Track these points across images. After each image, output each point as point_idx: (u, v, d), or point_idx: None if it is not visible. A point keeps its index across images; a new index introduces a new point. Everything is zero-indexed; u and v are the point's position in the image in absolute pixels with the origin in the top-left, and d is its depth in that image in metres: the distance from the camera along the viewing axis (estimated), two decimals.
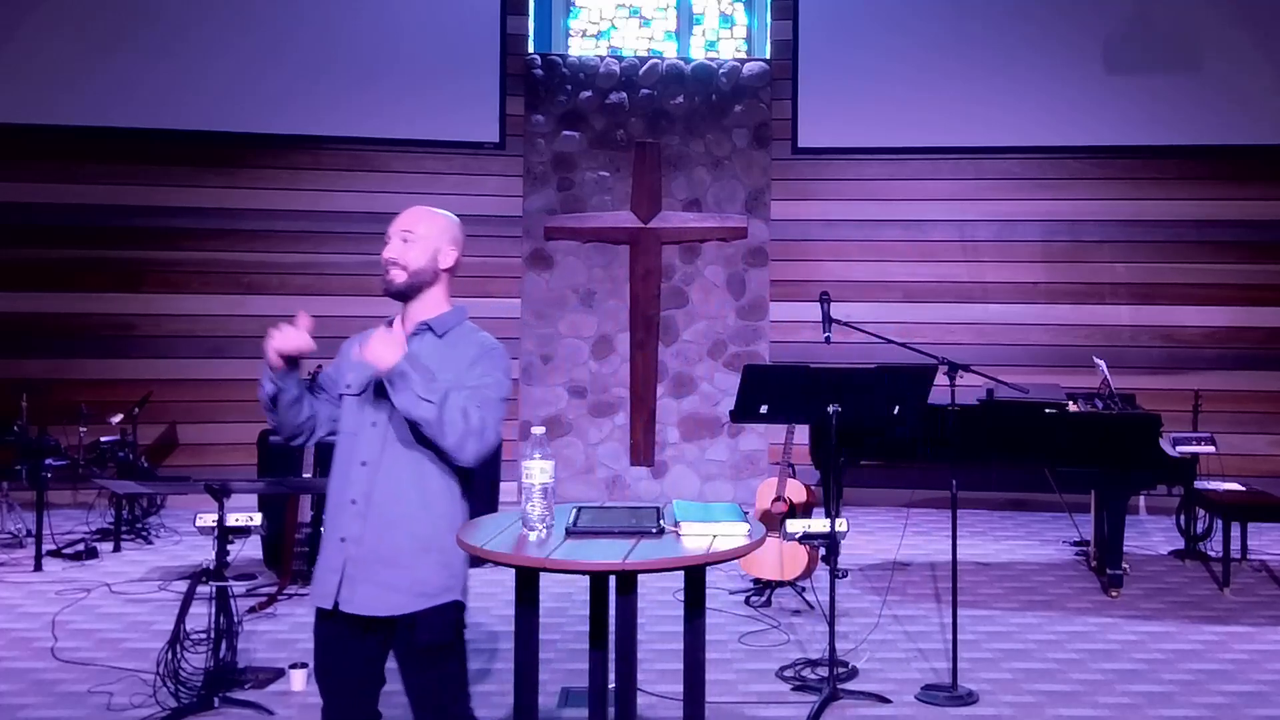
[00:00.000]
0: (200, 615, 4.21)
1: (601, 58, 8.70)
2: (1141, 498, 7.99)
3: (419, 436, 2.54)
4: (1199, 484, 6.05)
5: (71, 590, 5.69)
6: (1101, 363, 6.21)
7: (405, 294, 2.69)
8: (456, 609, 2.61)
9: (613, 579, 2.50)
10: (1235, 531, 6.10)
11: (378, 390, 2.60)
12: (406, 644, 2.58)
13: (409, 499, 2.59)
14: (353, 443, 2.66)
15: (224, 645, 4.09)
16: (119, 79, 8.10)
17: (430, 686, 2.59)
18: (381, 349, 2.46)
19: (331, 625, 2.63)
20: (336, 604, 2.58)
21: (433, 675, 2.60)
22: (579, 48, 9.01)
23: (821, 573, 5.40)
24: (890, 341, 4.81)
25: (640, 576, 2.58)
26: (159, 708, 3.96)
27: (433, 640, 2.57)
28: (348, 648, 2.64)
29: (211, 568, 4.05)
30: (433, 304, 2.72)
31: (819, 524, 4.44)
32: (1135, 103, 8.25)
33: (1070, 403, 5.82)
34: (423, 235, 2.74)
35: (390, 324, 2.73)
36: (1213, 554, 6.31)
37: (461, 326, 2.72)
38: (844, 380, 4.17)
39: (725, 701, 4.13)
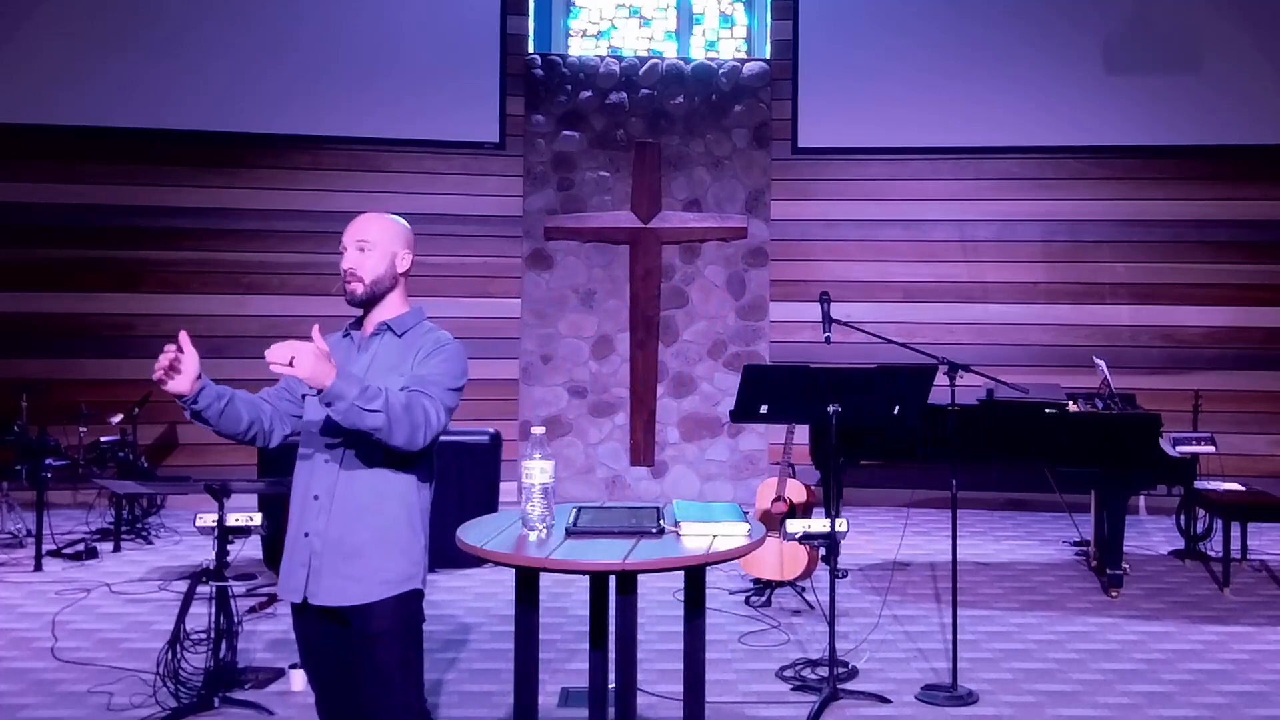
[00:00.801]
0: (200, 615, 4.21)
1: (601, 58, 8.70)
2: (1141, 498, 7.99)
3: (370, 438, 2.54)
4: (1199, 484, 6.04)
5: (71, 590, 5.69)
6: (1101, 363, 6.21)
7: (367, 303, 2.77)
8: (416, 597, 2.64)
9: (613, 579, 2.51)
10: (1235, 531, 6.09)
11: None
12: (364, 630, 2.59)
13: (370, 492, 2.63)
14: (316, 440, 2.71)
15: (224, 645, 4.09)
16: (119, 79, 8.10)
17: (386, 672, 2.61)
18: (312, 365, 2.41)
19: (304, 619, 2.69)
20: (305, 598, 2.63)
21: (390, 660, 2.60)
22: (579, 48, 9.01)
23: (821, 573, 5.40)
24: (890, 341, 4.81)
25: (640, 576, 2.58)
26: (159, 708, 3.96)
27: (392, 626, 2.58)
28: (324, 639, 2.68)
29: (211, 568, 4.05)
30: (391, 306, 2.80)
31: (819, 524, 4.43)
32: (1135, 103, 8.25)
33: (1070, 403, 5.82)
34: (378, 243, 2.80)
35: (356, 324, 2.82)
36: (1213, 554, 6.31)
37: (419, 326, 2.80)
38: (844, 380, 4.16)
39: (725, 701, 4.13)
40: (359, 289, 2.77)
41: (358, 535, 2.60)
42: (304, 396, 2.78)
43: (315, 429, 2.72)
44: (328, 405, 2.45)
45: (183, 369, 2.56)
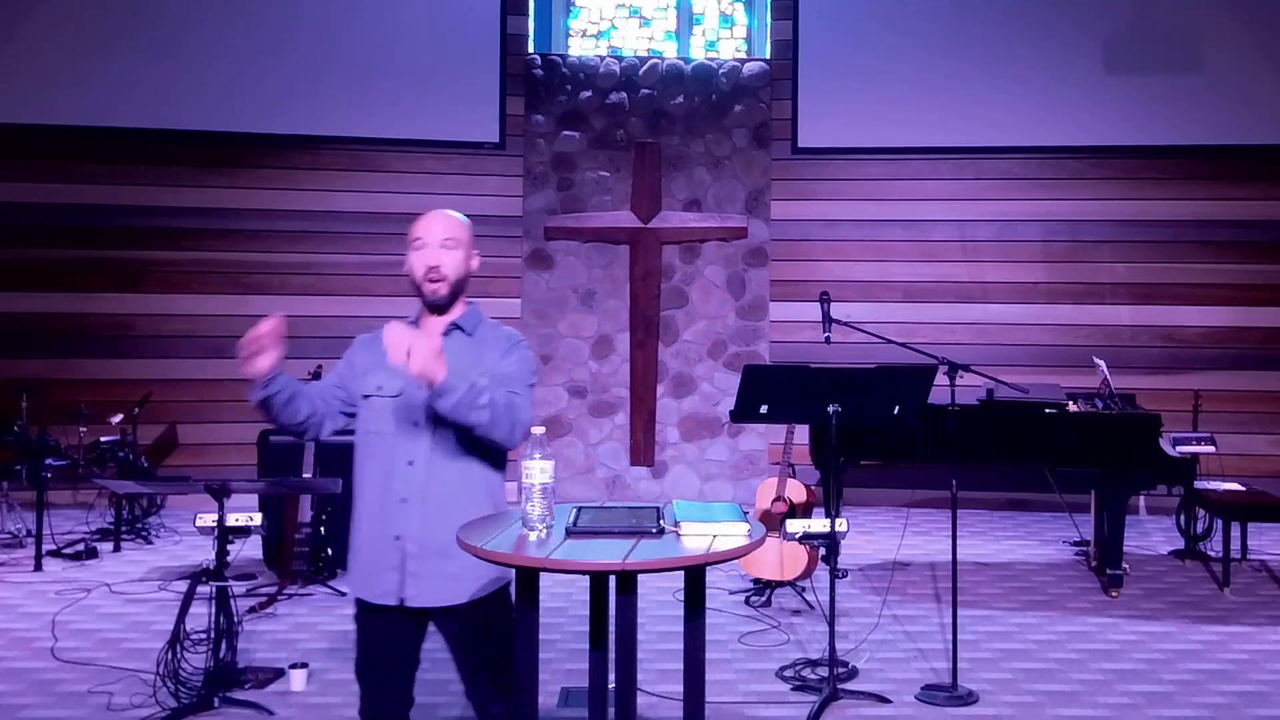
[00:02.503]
0: (200, 615, 4.21)
1: (601, 58, 8.70)
2: (1141, 498, 7.99)
3: (464, 433, 2.61)
4: (1199, 484, 6.04)
5: (71, 590, 5.69)
6: (1101, 363, 6.21)
7: (449, 303, 2.76)
8: (508, 586, 2.73)
9: (613, 579, 2.51)
10: (1235, 531, 6.10)
11: (417, 392, 2.65)
12: (466, 625, 2.69)
13: (460, 491, 2.69)
14: (391, 443, 2.70)
15: (224, 645, 4.09)
16: (119, 79, 8.10)
17: (496, 661, 2.72)
18: (429, 365, 2.45)
19: (385, 619, 2.73)
20: (401, 600, 2.69)
21: (498, 649, 2.72)
22: (579, 48, 9.01)
23: (821, 573, 5.40)
24: (890, 341, 4.81)
25: (640, 576, 2.58)
26: (159, 708, 3.96)
27: (497, 617, 2.72)
28: (402, 639, 2.75)
29: (211, 568, 4.05)
30: (458, 306, 2.81)
31: (819, 524, 4.43)
32: (1135, 103, 8.25)
33: (1070, 403, 5.82)
34: (461, 242, 2.79)
35: (414, 323, 2.76)
36: (1213, 554, 6.31)
37: (484, 323, 2.83)
38: (844, 380, 4.17)
39: (725, 701, 4.13)
40: (443, 289, 2.74)
41: (452, 535, 2.58)
42: (367, 398, 2.76)
43: (389, 430, 2.72)
44: (438, 398, 2.50)
45: (269, 351, 2.55)
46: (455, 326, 2.78)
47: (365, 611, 2.77)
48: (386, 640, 2.76)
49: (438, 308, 2.76)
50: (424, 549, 2.67)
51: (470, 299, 2.86)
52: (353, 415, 2.80)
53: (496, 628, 2.74)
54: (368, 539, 2.75)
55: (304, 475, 5.77)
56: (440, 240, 2.75)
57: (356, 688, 4.30)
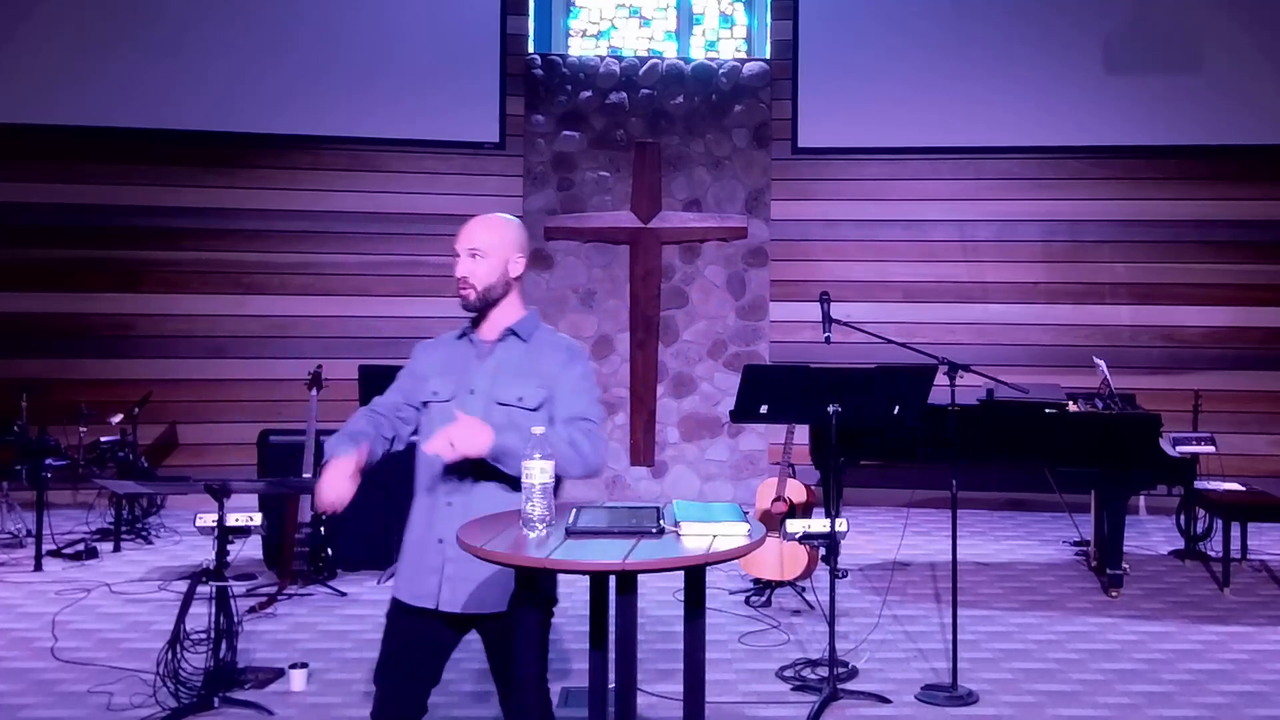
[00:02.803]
0: (200, 615, 4.21)
1: (601, 58, 8.70)
2: (1141, 498, 7.98)
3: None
4: (1199, 484, 6.04)
5: (71, 590, 5.69)
6: (1101, 363, 6.21)
7: (481, 309, 2.79)
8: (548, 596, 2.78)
9: (613, 579, 2.51)
10: (1235, 531, 6.09)
11: (468, 399, 2.74)
12: (504, 633, 2.71)
13: (504, 498, 2.70)
14: None
15: (224, 645, 4.09)
16: (119, 79, 8.10)
17: (533, 661, 2.72)
18: (471, 440, 2.54)
19: (419, 621, 2.77)
20: (436, 604, 2.73)
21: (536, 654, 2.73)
22: (579, 48, 9.01)
23: (821, 573, 5.40)
24: (890, 341, 4.81)
25: (640, 576, 2.58)
26: (159, 708, 3.96)
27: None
28: (432, 644, 2.78)
29: (211, 568, 4.05)
30: (511, 310, 2.82)
31: (819, 524, 4.43)
32: (1135, 103, 8.24)
33: (1070, 403, 5.82)
34: (490, 250, 2.78)
35: (463, 335, 2.85)
36: (1213, 554, 6.31)
37: (540, 329, 2.85)
38: (844, 380, 4.17)
39: (725, 701, 4.13)
40: (471, 296, 2.77)
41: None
42: (425, 404, 2.82)
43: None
44: (496, 462, 2.59)
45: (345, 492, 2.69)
46: (511, 332, 2.80)
47: (400, 612, 2.81)
48: (416, 643, 2.78)
49: (477, 313, 2.81)
50: (462, 554, 2.61)
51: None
52: (408, 408, 2.87)
53: (538, 634, 2.73)
54: (415, 540, 2.83)
55: (304, 475, 5.77)
56: (467, 250, 2.78)
57: (357, 688, 4.31)
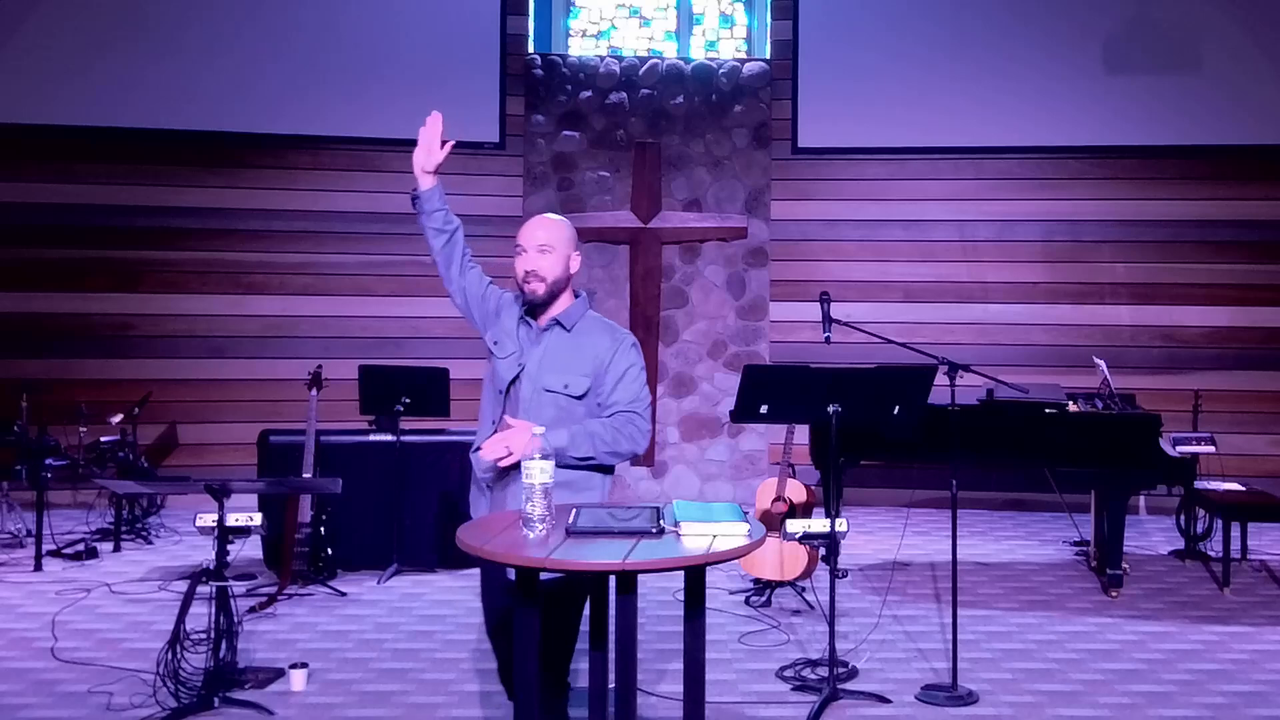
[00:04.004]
0: (200, 615, 4.21)
1: (601, 58, 8.70)
2: (1141, 498, 7.98)
3: (553, 405, 2.96)
4: (1199, 484, 6.04)
5: (71, 590, 5.69)
6: (1101, 363, 6.21)
7: (546, 301, 3.04)
8: None
9: (613, 579, 2.51)
10: (1235, 531, 6.09)
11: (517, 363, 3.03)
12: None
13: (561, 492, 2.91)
14: (496, 399, 3.04)
15: (224, 645, 4.09)
16: (119, 79, 8.09)
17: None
18: (523, 445, 2.74)
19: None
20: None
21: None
22: (579, 48, 9.01)
23: (821, 573, 5.40)
24: (890, 341, 4.81)
25: (640, 576, 2.58)
26: (159, 708, 3.96)
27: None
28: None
29: (211, 568, 4.05)
30: (562, 301, 3.08)
31: (819, 524, 4.44)
32: (1135, 103, 8.24)
33: (1070, 403, 5.81)
34: (558, 245, 3.05)
35: (523, 319, 3.07)
36: (1213, 554, 6.31)
37: (586, 317, 3.09)
38: (844, 380, 4.16)
39: (725, 701, 4.13)
40: (540, 289, 3.02)
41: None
42: (495, 343, 3.09)
43: (496, 387, 3.04)
44: (556, 459, 2.75)
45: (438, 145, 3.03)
46: (556, 322, 3.04)
47: (500, 586, 3.01)
48: (503, 599, 2.97)
49: (537, 305, 3.03)
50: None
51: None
52: (463, 303, 3.14)
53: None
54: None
55: (304, 475, 5.77)
56: (537, 246, 3.03)
57: (357, 688, 4.31)
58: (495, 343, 3.06)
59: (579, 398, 2.96)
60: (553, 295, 3.03)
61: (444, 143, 3.06)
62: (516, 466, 2.78)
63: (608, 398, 2.97)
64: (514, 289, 3.12)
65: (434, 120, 3.04)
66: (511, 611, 2.82)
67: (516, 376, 3.00)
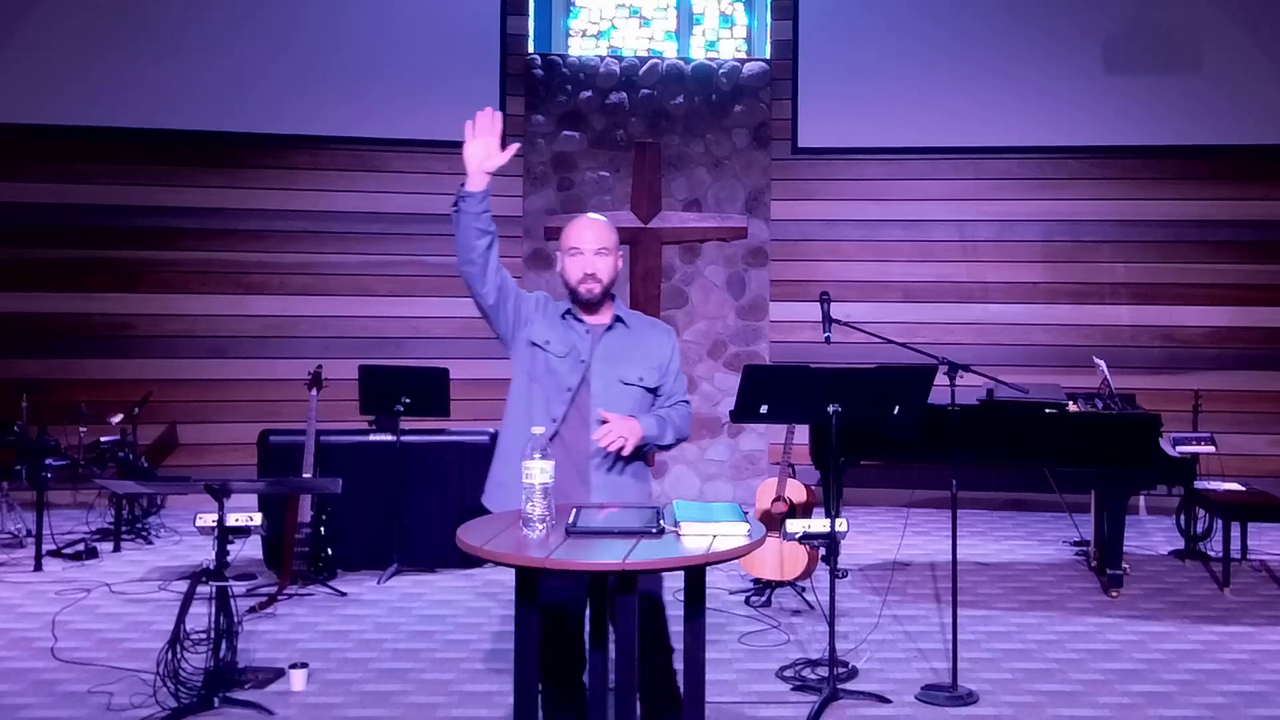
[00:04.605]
0: (200, 615, 4.21)
1: (601, 58, 8.70)
2: (1141, 498, 7.98)
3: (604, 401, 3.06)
4: (1199, 484, 6.04)
5: (71, 590, 5.69)
6: (1101, 363, 6.21)
7: (600, 300, 3.14)
8: None
9: (613, 579, 2.51)
10: (1235, 531, 6.09)
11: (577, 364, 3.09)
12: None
13: (638, 486, 3.13)
14: (544, 395, 3.08)
15: (224, 645, 4.09)
16: (119, 79, 8.09)
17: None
18: (626, 437, 2.93)
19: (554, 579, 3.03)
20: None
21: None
22: (579, 48, 9.01)
23: (821, 573, 5.40)
24: (890, 341, 4.81)
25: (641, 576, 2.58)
26: (159, 708, 3.96)
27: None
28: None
29: (211, 568, 4.05)
30: (610, 301, 3.19)
31: (819, 524, 4.43)
32: (1135, 103, 8.24)
33: (1070, 403, 5.81)
34: (613, 248, 3.16)
35: (566, 315, 3.14)
36: (1213, 554, 6.31)
37: (632, 313, 3.23)
38: (844, 380, 4.16)
39: (725, 701, 4.13)
40: (597, 290, 3.11)
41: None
42: (533, 344, 3.11)
43: (545, 383, 3.07)
44: (649, 446, 3.04)
45: (496, 138, 2.97)
46: (619, 319, 3.16)
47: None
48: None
49: (591, 306, 3.12)
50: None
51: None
52: (495, 302, 3.11)
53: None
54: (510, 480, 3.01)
55: (304, 475, 5.77)
56: (595, 249, 3.11)
57: (357, 688, 4.32)
58: (547, 342, 3.10)
59: (652, 389, 3.13)
60: (606, 295, 3.14)
61: (505, 145, 3.03)
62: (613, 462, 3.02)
63: (670, 389, 3.17)
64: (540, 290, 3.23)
65: (495, 118, 3.01)
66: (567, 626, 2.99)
67: (585, 374, 3.07)
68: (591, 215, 3.26)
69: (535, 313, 3.15)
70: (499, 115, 2.98)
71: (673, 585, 5.22)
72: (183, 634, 4.10)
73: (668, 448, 3.16)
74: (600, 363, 3.08)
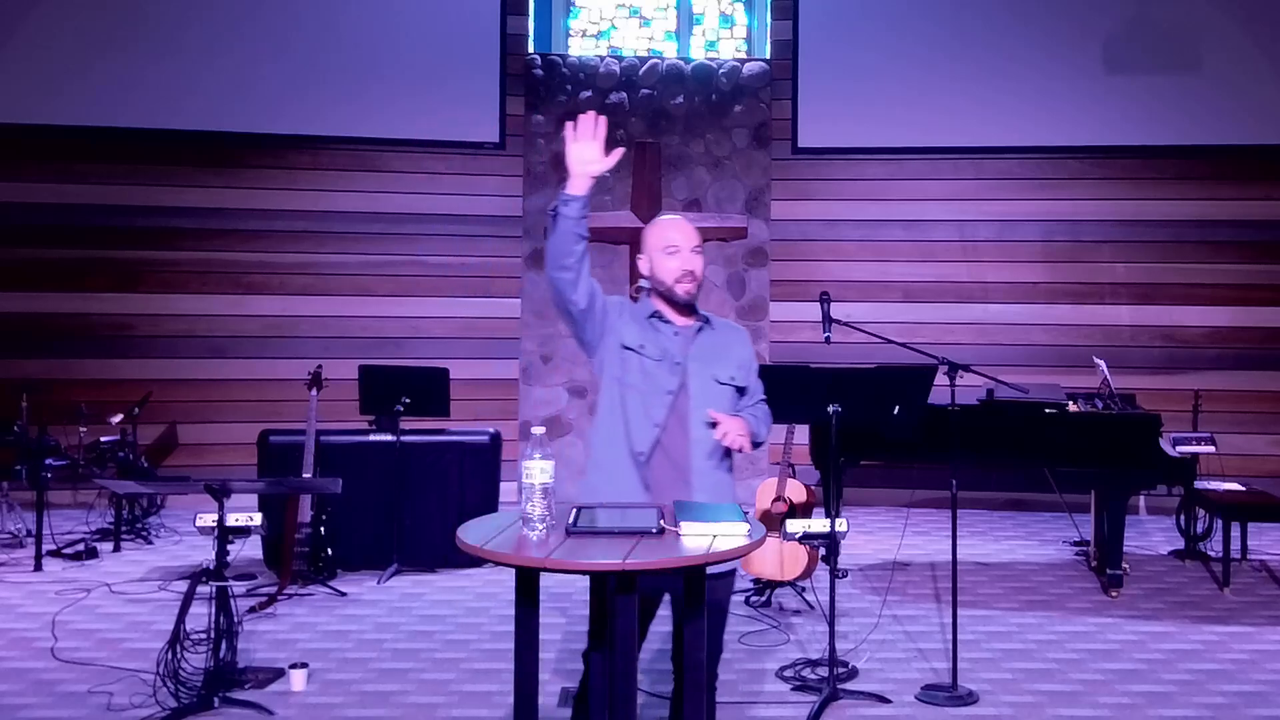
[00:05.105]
0: (200, 615, 4.21)
1: (601, 58, 8.70)
2: (1141, 498, 7.98)
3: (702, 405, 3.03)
4: (1199, 484, 6.04)
5: (71, 590, 5.69)
6: (1101, 363, 6.21)
7: (693, 302, 3.10)
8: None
9: (613, 579, 2.51)
10: (1235, 531, 6.09)
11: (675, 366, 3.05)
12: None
13: (720, 476, 3.12)
14: (640, 399, 3.02)
15: (224, 645, 4.09)
16: (119, 79, 8.09)
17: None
18: (743, 435, 2.97)
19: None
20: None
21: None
22: (579, 48, 9.01)
23: (821, 573, 5.40)
24: (890, 341, 4.81)
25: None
26: (159, 708, 3.96)
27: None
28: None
29: (211, 568, 4.05)
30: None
31: (819, 524, 4.43)
32: (1135, 103, 8.24)
33: (1070, 403, 5.81)
34: (701, 247, 3.11)
35: (653, 317, 3.08)
36: (1213, 554, 6.31)
37: (712, 315, 3.18)
38: (844, 380, 4.16)
39: (725, 701, 4.12)
40: (694, 289, 3.08)
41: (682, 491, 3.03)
42: (625, 348, 3.04)
43: (641, 387, 3.02)
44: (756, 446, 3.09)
45: (600, 142, 2.85)
46: (706, 320, 3.13)
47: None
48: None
49: (683, 306, 3.08)
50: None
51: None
52: (586, 307, 3.00)
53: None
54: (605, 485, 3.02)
55: (304, 475, 5.77)
56: (692, 246, 3.06)
57: (357, 688, 4.31)
58: (641, 345, 3.04)
59: (741, 389, 3.13)
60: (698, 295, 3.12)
61: (609, 149, 2.91)
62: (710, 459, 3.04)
63: (753, 388, 3.18)
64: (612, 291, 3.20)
65: (600, 122, 2.89)
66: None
67: (683, 377, 3.03)
68: (673, 215, 3.22)
69: (620, 317, 3.09)
70: (603, 119, 2.88)
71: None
72: (183, 634, 4.10)
73: (759, 445, 3.17)
74: (694, 364, 3.05)
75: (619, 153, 2.88)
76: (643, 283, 3.21)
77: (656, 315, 3.09)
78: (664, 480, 2.99)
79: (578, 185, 2.88)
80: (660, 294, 3.10)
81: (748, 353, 3.18)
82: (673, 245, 3.06)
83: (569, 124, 2.89)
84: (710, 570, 2.89)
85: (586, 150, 2.86)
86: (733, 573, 3.16)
